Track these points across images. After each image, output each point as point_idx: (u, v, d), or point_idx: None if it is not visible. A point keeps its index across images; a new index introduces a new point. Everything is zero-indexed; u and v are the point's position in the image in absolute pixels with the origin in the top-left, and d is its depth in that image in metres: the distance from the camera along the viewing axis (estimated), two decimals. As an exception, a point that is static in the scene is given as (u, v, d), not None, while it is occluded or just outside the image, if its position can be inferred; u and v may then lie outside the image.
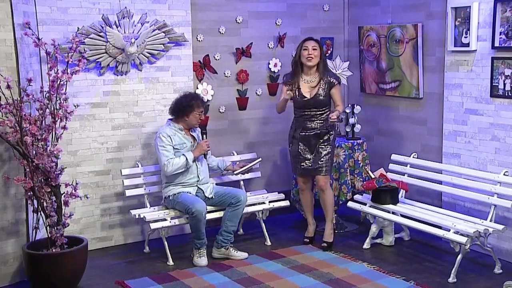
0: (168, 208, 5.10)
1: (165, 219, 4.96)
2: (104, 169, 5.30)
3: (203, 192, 5.07)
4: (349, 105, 5.86)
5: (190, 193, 5.01)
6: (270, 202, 5.44)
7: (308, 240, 5.37)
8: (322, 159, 5.15)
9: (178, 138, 5.00)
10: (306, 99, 5.12)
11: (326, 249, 5.17)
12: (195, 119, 5.03)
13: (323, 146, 5.16)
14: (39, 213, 4.48)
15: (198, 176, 5.07)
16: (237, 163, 5.52)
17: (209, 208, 5.06)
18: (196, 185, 5.07)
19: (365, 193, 5.42)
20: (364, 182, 5.39)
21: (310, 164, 5.18)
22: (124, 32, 5.15)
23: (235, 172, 5.39)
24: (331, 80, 5.14)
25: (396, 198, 5.18)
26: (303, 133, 5.17)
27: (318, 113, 5.14)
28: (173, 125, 5.04)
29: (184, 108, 5.00)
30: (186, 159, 4.93)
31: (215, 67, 5.84)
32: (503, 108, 4.83)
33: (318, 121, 5.14)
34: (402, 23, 5.75)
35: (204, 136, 5.14)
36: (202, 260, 4.90)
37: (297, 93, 5.14)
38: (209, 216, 5.04)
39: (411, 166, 5.42)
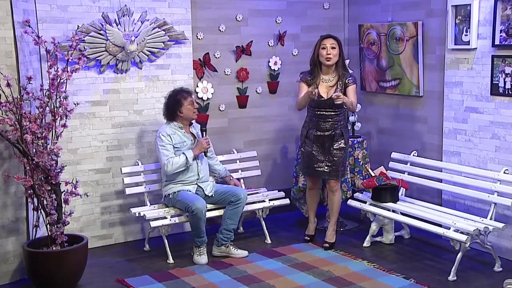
0: (168, 206, 5.09)
1: (165, 217, 4.96)
2: (104, 167, 5.30)
3: (203, 190, 5.07)
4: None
5: (190, 191, 5.01)
6: (270, 200, 5.44)
7: (308, 238, 5.37)
8: (336, 164, 5.08)
9: (178, 137, 4.99)
10: (322, 99, 5.00)
11: (328, 249, 5.16)
12: (189, 111, 5.00)
13: (336, 152, 5.07)
14: (39, 211, 4.48)
15: (198, 174, 5.06)
16: (236, 179, 5.48)
17: (209, 206, 5.06)
18: (196, 183, 5.07)
19: (365, 191, 5.42)
20: (364, 180, 5.39)
21: (325, 168, 5.10)
22: (124, 30, 5.15)
23: None
24: (346, 81, 5.01)
25: (396, 196, 5.18)
26: (317, 134, 5.10)
27: (333, 113, 5.04)
28: (172, 124, 5.03)
29: (173, 106, 4.98)
30: (186, 157, 4.92)
31: (215, 65, 5.84)
32: (503, 106, 4.83)
33: (332, 122, 5.05)
34: (402, 21, 5.75)
35: (204, 133, 5.11)
36: (202, 258, 4.90)
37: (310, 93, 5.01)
38: (209, 214, 5.05)
39: (411, 164, 5.42)
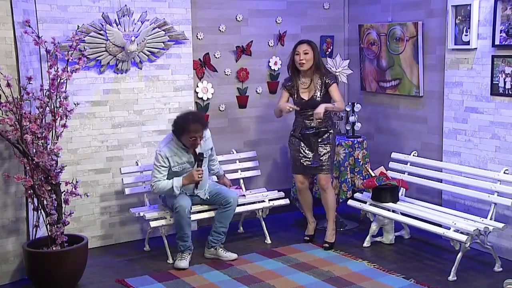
0: (165, 207, 5.03)
1: (164, 217, 4.95)
2: (104, 167, 5.30)
3: (199, 197, 5.02)
4: (349, 103, 5.86)
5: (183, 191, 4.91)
6: (270, 200, 5.44)
7: (308, 238, 5.37)
8: (321, 158, 5.17)
9: (177, 158, 4.80)
10: (304, 100, 5.14)
11: (328, 249, 5.18)
12: (188, 143, 4.76)
13: (322, 145, 5.18)
14: (39, 211, 4.48)
15: (193, 192, 4.93)
16: (227, 179, 5.39)
17: (202, 207, 5.02)
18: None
19: (365, 191, 5.41)
20: (364, 180, 5.39)
21: (310, 162, 5.19)
22: (124, 30, 5.15)
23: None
24: (326, 81, 5.13)
25: (396, 196, 5.18)
26: (303, 132, 5.20)
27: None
28: (174, 143, 4.80)
29: (179, 128, 4.76)
30: (172, 187, 4.75)
31: (215, 65, 5.84)
32: (503, 106, 4.83)
33: (317, 120, 5.15)
34: (402, 21, 5.75)
35: (200, 163, 4.85)
36: (181, 262, 4.78)
37: (296, 95, 5.19)
38: (200, 216, 5.02)
39: (411, 164, 5.42)
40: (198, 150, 4.88)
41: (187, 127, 4.70)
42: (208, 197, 5.05)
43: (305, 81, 5.19)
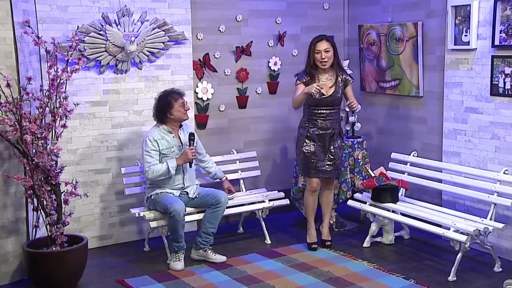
0: (150, 209, 4.98)
1: (164, 218, 4.94)
2: (104, 167, 5.30)
3: (187, 194, 5.00)
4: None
5: (173, 194, 4.91)
6: (270, 200, 5.44)
7: (316, 246, 5.22)
8: (337, 163, 5.15)
9: (166, 142, 4.86)
10: (324, 96, 5.02)
11: (330, 246, 5.19)
12: (180, 113, 4.86)
13: (337, 151, 5.13)
14: (39, 212, 4.48)
15: (183, 183, 4.97)
16: (227, 183, 5.36)
17: (191, 209, 4.99)
18: (180, 190, 4.99)
19: (365, 191, 5.42)
20: (364, 181, 5.39)
21: (327, 167, 5.11)
22: (124, 31, 5.15)
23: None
24: (347, 78, 5.12)
25: (396, 197, 5.18)
26: (318, 132, 5.10)
27: (333, 111, 5.09)
28: (161, 128, 4.90)
29: (164, 108, 4.84)
30: (168, 167, 4.80)
31: (215, 65, 5.84)
32: (503, 107, 4.83)
33: (332, 119, 5.09)
34: (402, 21, 5.75)
35: (192, 142, 4.91)
36: (177, 264, 4.80)
37: (314, 92, 4.99)
38: (191, 218, 4.99)
39: (411, 165, 5.42)
40: (180, 135, 4.97)
41: (173, 95, 4.86)
42: (196, 196, 5.00)
43: (324, 77, 5.07)
